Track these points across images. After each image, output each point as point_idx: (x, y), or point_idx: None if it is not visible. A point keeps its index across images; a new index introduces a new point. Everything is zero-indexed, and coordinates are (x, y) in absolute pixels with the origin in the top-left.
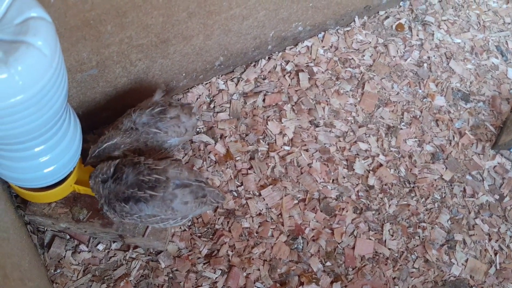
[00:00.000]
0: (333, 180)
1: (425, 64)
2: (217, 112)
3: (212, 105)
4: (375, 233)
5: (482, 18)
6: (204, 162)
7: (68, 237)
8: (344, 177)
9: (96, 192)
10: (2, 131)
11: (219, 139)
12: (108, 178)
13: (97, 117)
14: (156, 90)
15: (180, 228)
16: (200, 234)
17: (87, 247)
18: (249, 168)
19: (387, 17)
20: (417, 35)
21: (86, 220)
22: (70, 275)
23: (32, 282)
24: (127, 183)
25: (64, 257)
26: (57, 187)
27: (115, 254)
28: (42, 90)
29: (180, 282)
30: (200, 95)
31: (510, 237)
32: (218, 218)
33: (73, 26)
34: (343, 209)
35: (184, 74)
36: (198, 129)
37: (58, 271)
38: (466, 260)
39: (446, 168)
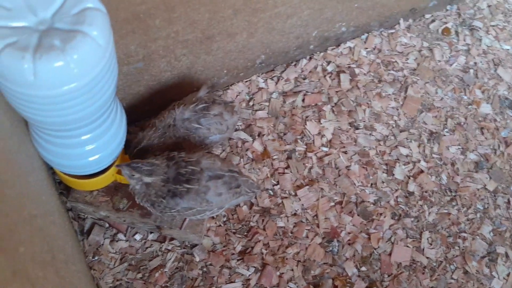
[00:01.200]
0: (371, 184)
1: (471, 70)
2: (256, 110)
3: (251, 103)
4: (413, 240)
5: None
6: (241, 159)
7: (107, 225)
8: (383, 182)
9: (136, 190)
10: (53, 117)
11: (257, 137)
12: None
13: (140, 110)
14: (202, 86)
15: (216, 223)
16: (235, 230)
17: (125, 236)
18: (286, 168)
19: (433, 21)
20: (464, 40)
21: (126, 210)
22: (107, 263)
23: (74, 266)
24: (168, 180)
25: (103, 244)
26: (100, 176)
27: (151, 244)
28: (94, 79)
29: (214, 276)
30: (240, 93)
31: None
32: (253, 216)
33: (124, 19)
34: (380, 214)
35: (225, 71)
36: (236, 126)
37: (96, 258)
38: (508, 274)
39: (490, 178)
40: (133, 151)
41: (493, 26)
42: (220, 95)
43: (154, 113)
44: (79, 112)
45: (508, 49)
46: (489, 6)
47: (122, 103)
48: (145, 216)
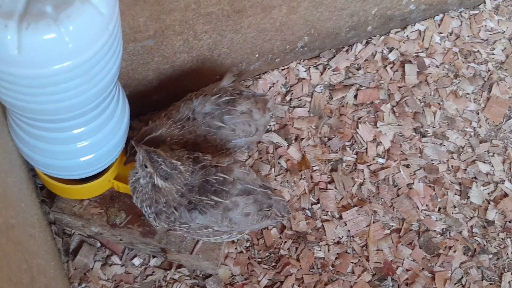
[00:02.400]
0: (439, 208)
1: None
2: (294, 107)
3: (288, 97)
4: (491, 284)
5: None
6: (273, 169)
7: (99, 244)
8: (454, 206)
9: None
10: (39, 104)
11: (293, 142)
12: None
13: (147, 100)
14: (227, 73)
15: (236, 248)
16: (260, 260)
17: (121, 259)
18: (330, 182)
19: None
20: None
21: (124, 226)
22: None
23: None
24: (189, 188)
25: (92, 269)
26: (93, 181)
27: (153, 272)
28: (93, 57)
29: None
30: (274, 84)
31: None
32: (285, 242)
33: None
34: (450, 248)
35: (257, 55)
36: (268, 127)
37: (83, 285)
38: None
39: None
40: (143, 139)
41: None
42: (249, 86)
43: (164, 105)
44: (72, 98)
45: None
46: None
47: (124, 91)
48: (148, 236)
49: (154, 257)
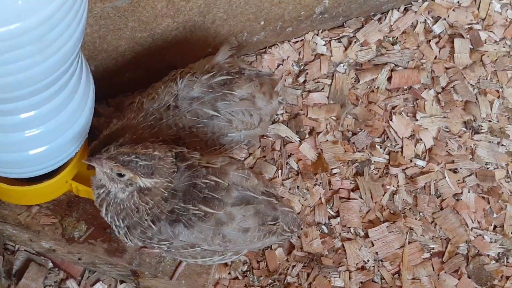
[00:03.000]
0: (495, 226)
1: None
2: (309, 91)
3: (302, 79)
4: None
5: None
6: (280, 171)
7: (51, 264)
8: None
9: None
10: None
11: (307, 136)
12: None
13: (118, 79)
14: (222, 45)
15: (230, 273)
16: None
17: (79, 285)
18: (353, 190)
19: None
20: None
21: (84, 241)
22: None
23: None
24: (172, 191)
25: None
26: (45, 181)
27: None
28: (49, 19)
29: None
30: (284, 60)
31: None
32: (293, 266)
33: None
34: (507, 278)
35: (263, 23)
36: (275, 116)
37: None
38: None
39: None
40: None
41: None
42: (252, 63)
43: (140, 85)
44: (21, 71)
45: None
46: None
47: (89, 64)
48: (115, 254)
49: (122, 282)
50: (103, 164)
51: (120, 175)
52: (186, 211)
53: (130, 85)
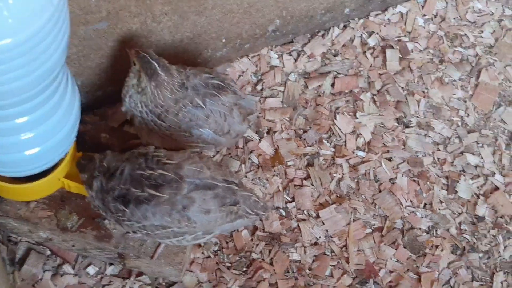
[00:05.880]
0: (425, 204)
1: None
2: (266, 97)
3: (259, 87)
4: (482, 284)
5: None
6: (243, 165)
7: (49, 252)
8: (441, 202)
9: (87, 188)
10: None
11: (265, 135)
12: (102, 173)
13: (101, 91)
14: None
15: (203, 253)
16: (229, 265)
17: (73, 268)
18: (305, 178)
19: None
20: None
21: (76, 230)
22: None
23: None
24: (121, 179)
25: (41, 279)
26: (40, 180)
27: (110, 281)
28: (37, 34)
29: None
30: (244, 72)
31: None
32: (257, 244)
33: None
34: (436, 246)
35: (224, 40)
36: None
37: None
38: None
39: None
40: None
41: None
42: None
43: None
44: (12, 82)
45: None
46: None
47: (76, 80)
48: (103, 240)
49: (111, 264)
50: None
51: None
52: (139, 193)
53: (112, 97)
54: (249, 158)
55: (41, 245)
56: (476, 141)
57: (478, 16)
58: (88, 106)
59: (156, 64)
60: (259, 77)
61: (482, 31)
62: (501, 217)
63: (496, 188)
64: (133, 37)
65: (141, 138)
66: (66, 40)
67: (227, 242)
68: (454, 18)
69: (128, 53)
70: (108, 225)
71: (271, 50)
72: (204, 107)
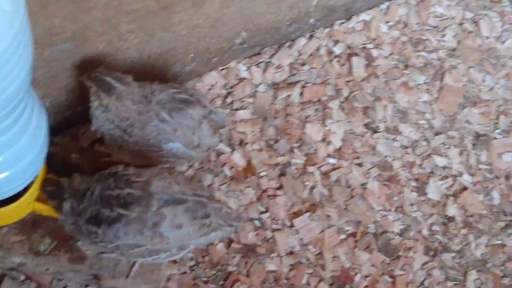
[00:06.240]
0: (396, 207)
1: None
2: (236, 109)
3: (229, 99)
4: (456, 284)
5: None
6: (216, 178)
7: (23, 277)
8: (412, 204)
9: (58, 212)
10: None
11: (237, 147)
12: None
13: (70, 111)
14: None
15: (179, 269)
16: (206, 279)
17: None
18: (278, 188)
19: None
20: None
21: (49, 253)
22: None
23: None
24: (91, 200)
25: None
26: (10, 205)
27: None
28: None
29: None
30: (213, 85)
31: None
32: (233, 257)
33: None
34: (410, 248)
35: (192, 55)
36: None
37: None
38: None
39: None
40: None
41: None
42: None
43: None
44: None
45: None
46: None
47: (44, 102)
48: (77, 262)
49: (86, 286)
50: None
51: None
52: (107, 214)
53: (82, 117)
54: (222, 171)
55: (15, 270)
56: (443, 143)
57: (439, 20)
58: (57, 127)
59: (109, 78)
60: (229, 90)
61: (444, 35)
62: (470, 216)
63: (465, 188)
64: (100, 56)
65: (112, 155)
66: (29, 65)
67: (203, 257)
68: (417, 24)
69: (82, 81)
70: (82, 246)
71: (239, 62)
72: (170, 120)
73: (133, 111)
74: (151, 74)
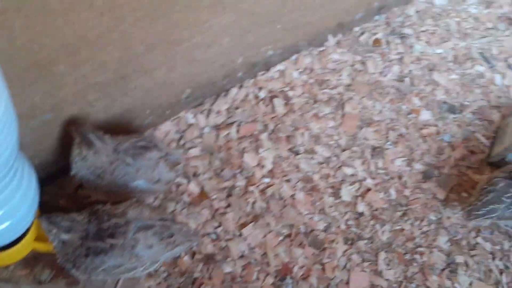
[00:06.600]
0: (319, 210)
1: (406, 79)
2: (188, 148)
3: (182, 142)
4: (370, 263)
5: (463, 25)
6: (177, 205)
7: None
8: (331, 206)
9: (56, 248)
10: None
11: (192, 178)
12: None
13: (55, 166)
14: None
15: (155, 280)
16: (178, 285)
17: None
18: (227, 206)
19: (362, 33)
20: (396, 49)
21: (50, 281)
22: None
23: None
24: (81, 236)
25: None
26: (14, 246)
27: None
28: None
29: None
30: (168, 133)
31: None
32: (197, 265)
33: (23, 69)
34: (332, 241)
35: (148, 111)
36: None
37: None
38: (470, 283)
39: (439, 186)
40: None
41: (423, 31)
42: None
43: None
44: None
45: (440, 53)
46: (417, 11)
47: (34, 161)
48: (72, 285)
49: None
50: (42, 223)
51: (51, 231)
52: (97, 246)
53: (66, 169)
54: (182, 199)
55: None
56: (349, 156)
57: (336, 64)
58: (46, 179)
59: (91, 135)
60: (181, 134)
61: (341, 75)
62: (376, 210)
63: (369, 189)
64: (75, 120)
65: (91, 196)
66: (14, 140)
67: (173, 268)
68: (320, 68)
69: (70, 131)
70: (75, 273)
71: (187, 112)
72: (133, 163)
73: (106, 162)
74: (115, 130)
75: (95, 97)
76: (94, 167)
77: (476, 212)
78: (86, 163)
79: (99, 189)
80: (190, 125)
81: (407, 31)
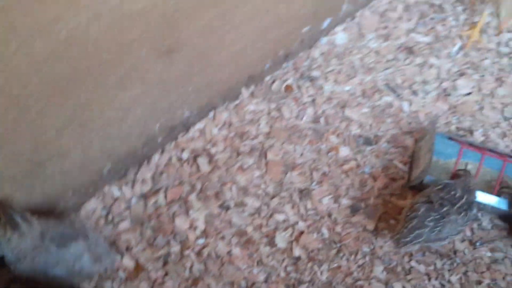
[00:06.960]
0: (257, 262)
1: (321, 119)
2: (118, 223)
3: (110, 217)
4: None
5: (366, 60)
6: (114, 283)
7: None
8: (268, 256)
9: None
10: None
11: (125, 252)
12: None
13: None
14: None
15: None
16: None
17: None
18: (165, 275)
19: (273, 81)
20: (307, 92)
21: None
22: None
23: None
24: None
25: None
26: None
27: None
28: None
29: None
30: (94, 210)
31: (448, 270)
32: None
33: None
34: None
35: (71, 192)
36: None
37: None
38: None
39: (368, 217)
40: None
41: (330, 71)
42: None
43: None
44: None
45: (349, 90)
46: (322, 53)
47: None
48: None
49: None
50: None
51: None
52: None
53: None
54: (118, 275)
55: None
56: (279, 203)
57: (253, 115)
58: None
59: (18, 217)
60: (108, 210)
61: (260, 124)
62: (311, 252)
63: (302, 232)
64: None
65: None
66: None
67: None
68: (238, 121)
69: None
70: None
71: (111, 186)
72: (56, 253)
73: (29, 246)
74: (42, 212)
75: (13, 190)
76: (17, 250)
77: (404, 239)
78: (9, 244)
79: (19, 274)
80: (116, 199)
81: (315, 73)
